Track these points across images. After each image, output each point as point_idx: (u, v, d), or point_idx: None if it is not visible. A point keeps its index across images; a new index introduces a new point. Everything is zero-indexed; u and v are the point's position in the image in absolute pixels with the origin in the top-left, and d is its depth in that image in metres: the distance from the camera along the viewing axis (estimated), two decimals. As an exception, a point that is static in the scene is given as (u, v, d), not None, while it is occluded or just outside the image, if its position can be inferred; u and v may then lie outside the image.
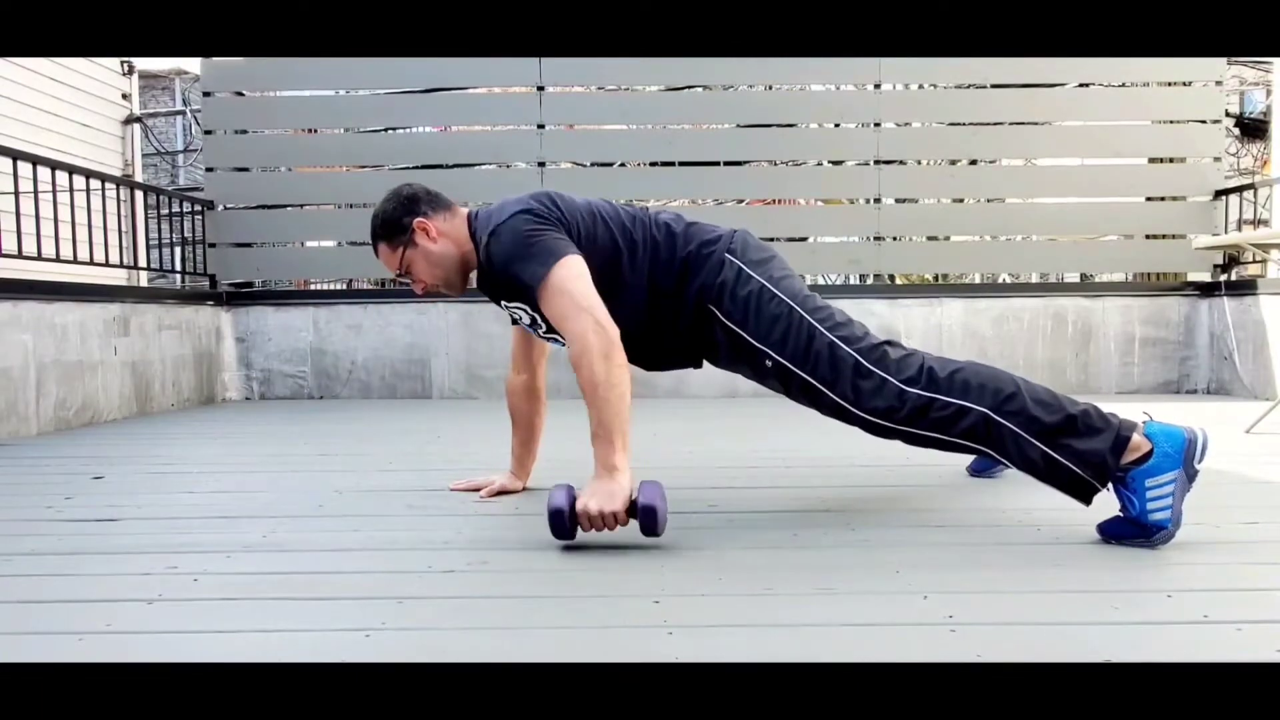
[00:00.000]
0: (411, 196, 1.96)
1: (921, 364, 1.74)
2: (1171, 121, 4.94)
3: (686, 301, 1.87)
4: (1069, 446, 1.63)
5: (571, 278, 1.74)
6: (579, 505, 1.61)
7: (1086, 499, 1.66)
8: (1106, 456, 1.61)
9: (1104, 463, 1.61)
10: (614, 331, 1.70)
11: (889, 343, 1.79)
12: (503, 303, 1.98)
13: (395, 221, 1.95)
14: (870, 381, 1.73)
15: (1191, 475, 1.61)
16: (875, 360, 1.75)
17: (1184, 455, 1.60)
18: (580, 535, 1.66)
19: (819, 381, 1.77)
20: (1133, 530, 1.63)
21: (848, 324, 1.81)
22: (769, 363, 1.81)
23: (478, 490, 2.15)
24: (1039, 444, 1.65)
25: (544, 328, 1.93)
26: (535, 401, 2.18)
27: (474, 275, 1.99)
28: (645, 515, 1.59)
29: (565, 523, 1.62)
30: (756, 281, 1.83)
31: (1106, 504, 1.67)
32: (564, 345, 1.83)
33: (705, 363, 2.02)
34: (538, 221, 1.80)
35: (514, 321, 2.06)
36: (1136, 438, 1.62)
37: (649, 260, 1.89)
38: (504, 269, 1.81)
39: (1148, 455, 1.60)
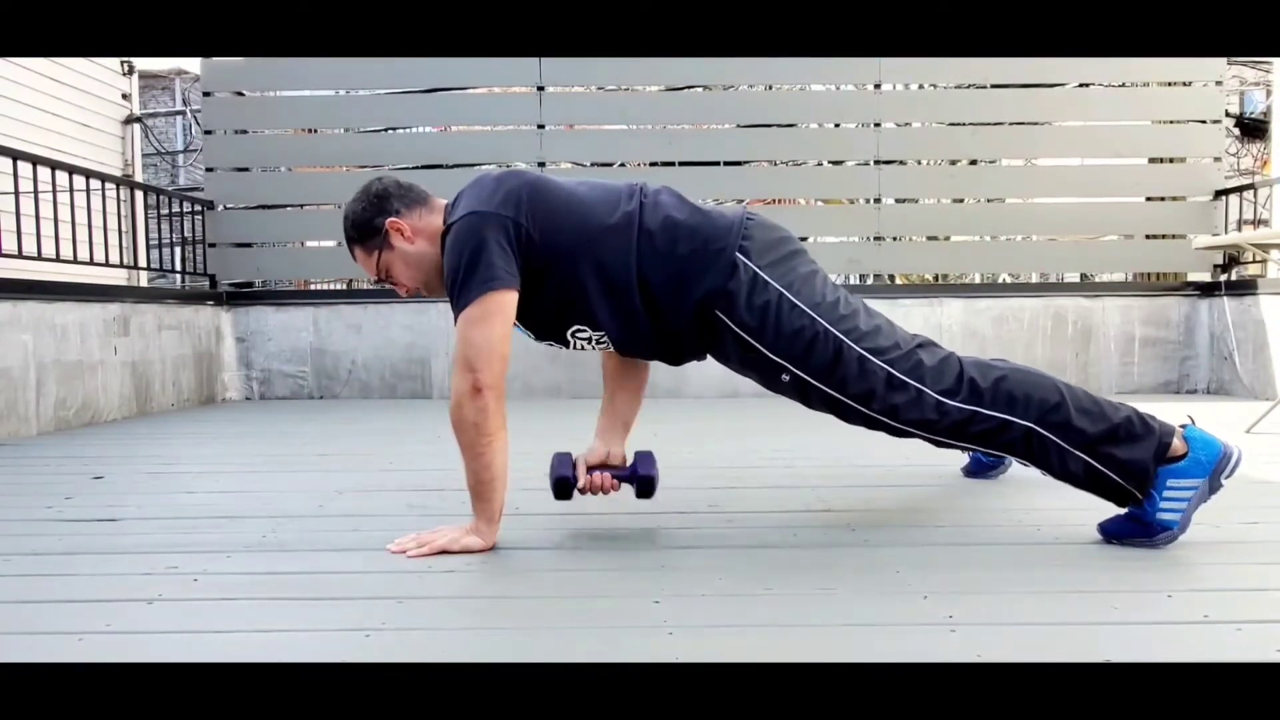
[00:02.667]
0: (381, 194, 1.76)
1: (961, 372, 1.65)
2: (1171, 121, 4.94)
3: (685, 306, 1.68)
4: (1112, 456, 1.59)
5: (483, 316, 1.60)
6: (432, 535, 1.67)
7: (1124, 504, 1.64)
8: (1150, 465, 1.58)
9: (1146, 472, 1.58)
10: (490, 397, 1.61)
11: (921, 345, 1.68)
12: None
13: (366, 223, 1.76)
14: (905, 394, 1.64)
15: (1215, 488, 1.60)
16: (909, 370, 1.64)
17: (1214, 467, 1.58)
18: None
19: (851, 399, 1.66)
20: (1136, 529, 1.62)
21: (875, 332, 1.67)
22: (786, 376, 1.68)
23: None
24: (1083, 455, 1.60)
25: (534, 329, 1.82)
26: (641, 371, 1.92)
27: None
28: (643, 485, 1.82)
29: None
30: (774, 289, 1.65)
31: (1107, 504, 1.67)
32: (561, 345, 1.83)
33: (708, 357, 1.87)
34: (486, 228, 1.63)
35: None
36: (1176, 442, 1.60)
37: (635, 251, 1.67)
38: (448, 266, 1.66)
39: (1181, 457, 1.58)
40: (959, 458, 2.73)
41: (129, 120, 7.92)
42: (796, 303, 1.65)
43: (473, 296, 1.60)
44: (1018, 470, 2.50)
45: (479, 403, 1.60)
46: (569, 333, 1.78)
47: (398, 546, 1.65)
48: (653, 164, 5.14)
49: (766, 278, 1.66)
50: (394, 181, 1.80)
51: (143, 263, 4.68)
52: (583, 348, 1.81)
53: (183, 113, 12.34)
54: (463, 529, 1.67)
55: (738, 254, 1.65)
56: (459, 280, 1.62)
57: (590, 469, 1.87)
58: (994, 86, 4.86)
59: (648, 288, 1.68)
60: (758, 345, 1.66)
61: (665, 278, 1.68)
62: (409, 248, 1.76)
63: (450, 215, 1.73)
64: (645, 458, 1.85)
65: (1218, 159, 4.87)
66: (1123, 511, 1.65)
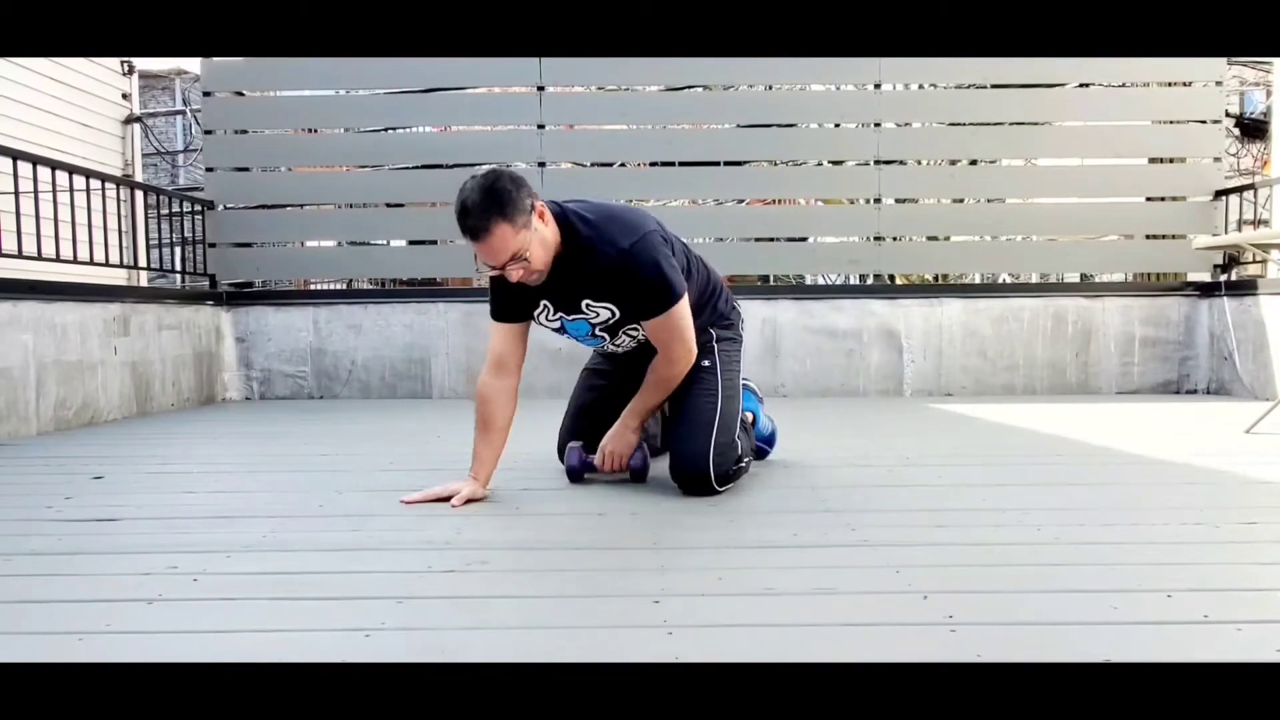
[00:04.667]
0: (518, 178, 1.91)
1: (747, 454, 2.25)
2: (1171, 121, 4.94)
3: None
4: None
5: (684, 319, 2.10)
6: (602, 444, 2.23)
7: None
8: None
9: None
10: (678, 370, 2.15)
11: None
12: (585, 302, 2.09)
13: (519, 201, 1.88)
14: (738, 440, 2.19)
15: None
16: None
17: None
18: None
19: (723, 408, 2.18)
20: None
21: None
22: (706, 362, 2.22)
23: (439, 501, 2.03)
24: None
25: (611, 325, 2.14)
26: (514, 406, 2.17)
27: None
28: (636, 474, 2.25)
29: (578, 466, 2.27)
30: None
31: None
32: (614, 344, 2.23)
33: None
34: (667, 247, 2.09)
35: (534, 321, 2.19)
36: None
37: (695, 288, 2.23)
38: (647, 274, 2.00)
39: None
40: (958, 458, 2.73)
41: (129, 120, 7.93)
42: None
43: (682, 290, 2.07)
44: (1025, 471, 2.50)
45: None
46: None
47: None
48: (653, 164, 5.14)
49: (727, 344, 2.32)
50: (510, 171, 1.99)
51: (143, 263, 4.68)
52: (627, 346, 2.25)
53: (183, 113, 12.34)
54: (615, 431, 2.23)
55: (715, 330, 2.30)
56: (674, 277, 2.04)
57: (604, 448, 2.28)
58: (994, 86, 4.85)
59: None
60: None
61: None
62: (547, 231, 1.96)
63: (607, 222, 2.03)
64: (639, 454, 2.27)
65: (1218, 159, 4.87)
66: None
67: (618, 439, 2.21)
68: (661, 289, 2.03)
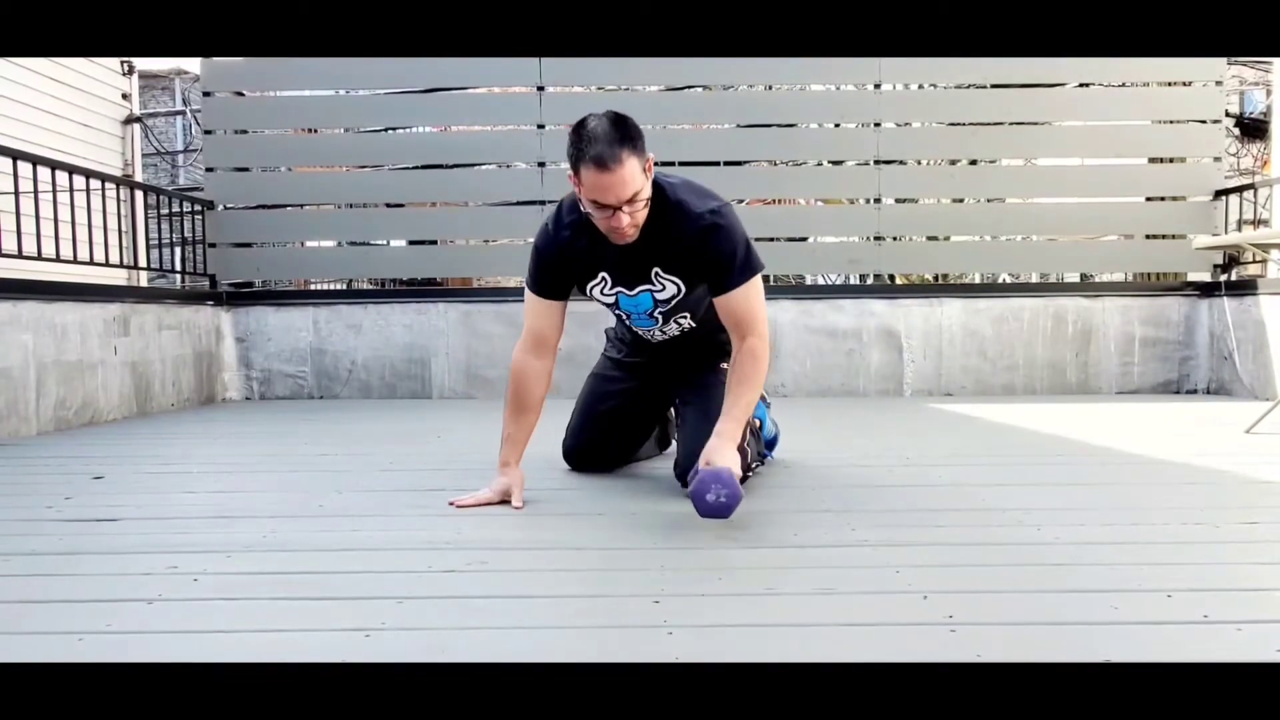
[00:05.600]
0: (639, 126, 1.85)
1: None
2: (1171, 121, 4.93)
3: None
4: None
5: (762, 291, 2.03)
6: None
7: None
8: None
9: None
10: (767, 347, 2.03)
11: None
12: (655, 270, 2.03)
13: (643, 144, 1.83)
14: None
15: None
16: None
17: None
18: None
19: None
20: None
21: None
22: (724, 364, 2.16)
23: (492, 504, 1.99)
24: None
25: (673, 305, 2.10)
26: (548, 387, 2.13)
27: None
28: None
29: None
30: None
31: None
32: (661, 329, 2.18)
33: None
34: (740, 222, 2.01)
35: (587, 296, 2.15)
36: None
37: None
38: (729, 247, 1.94)
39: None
40: (958, 458, 2.73)
41: (129, 120, 7.92)
42: None
43: (760, 267, 2.01)
44: (1025, 471, 2.50)
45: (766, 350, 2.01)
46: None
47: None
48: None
49: None
50: None
51: (143, 263, 4.68)
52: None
53: (183, 113, 12.34)
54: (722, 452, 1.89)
55: None
56: (752, 253, 1.99)
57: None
58: (994, 86, 4.85)
59: None
60: None
61: None
62: (648, 188, 1.89)
63: (689, 194, 1.98)
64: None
65: (1218, 159, 4.87)
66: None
67: (726, 456, 1.84)
68: (747, 256, 1.97)
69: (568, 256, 2.04)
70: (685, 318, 2.17)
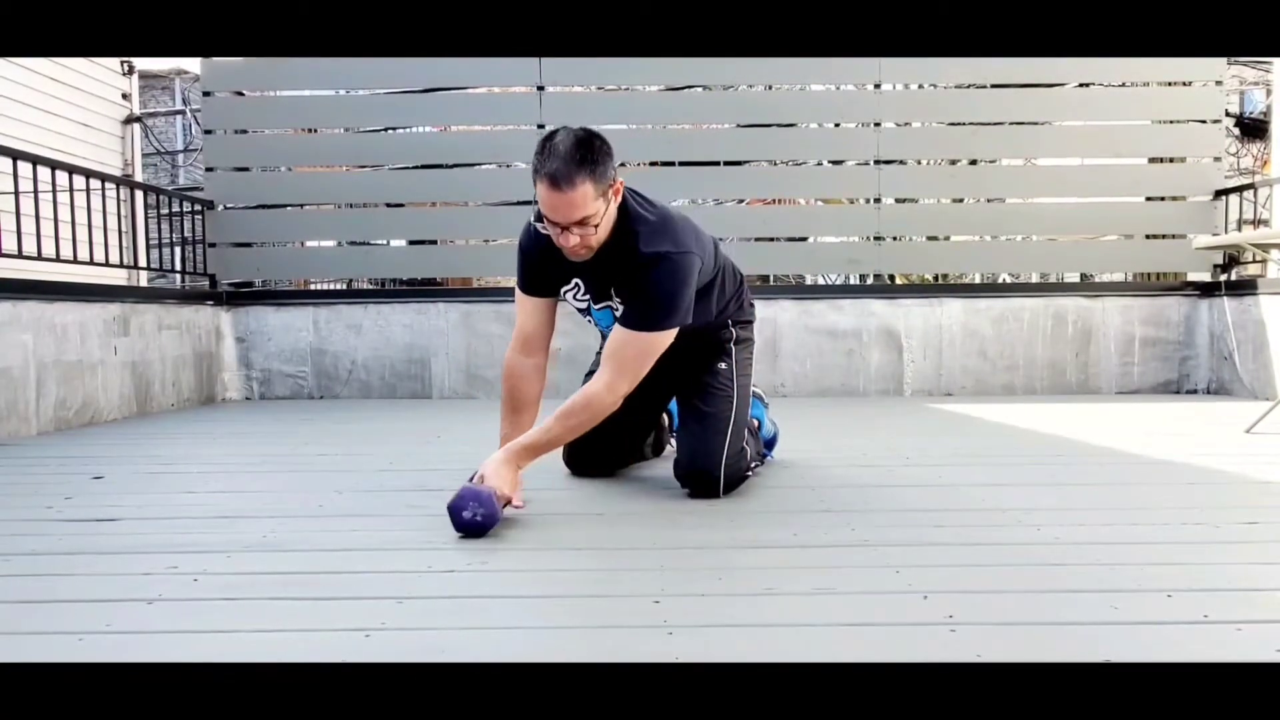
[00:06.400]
0: (611, 147, 1.83)
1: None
2: (1171, 121, 4.93)
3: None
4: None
5: (656, 351, 1.96)
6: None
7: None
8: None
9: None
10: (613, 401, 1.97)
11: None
12: (613, 289, 2.01)
13: (607, 169, 1.81)
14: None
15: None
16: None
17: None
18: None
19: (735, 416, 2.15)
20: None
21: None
22: (723, 365, 2.21)
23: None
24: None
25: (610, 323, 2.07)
26: (543, 383, 2.16)
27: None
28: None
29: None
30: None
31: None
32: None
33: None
34: (692, 279, 1.97)
35: (565, 302, 2.14)
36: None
37: (719, 296, 2.19)
38: (651, 291, 1.91)
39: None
40: (958, 458, 2.73)
41: (129, 120, 7.93)
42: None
43: (666, 326, 1.94)
44: (1025, 471, 2.50)
45: (611, 401, 1.96)
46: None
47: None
48: (653, 164, 5.14)
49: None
50: None
51: (143, 263, 4.67)
52: None
53: (183, 113, 12.34)
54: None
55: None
56: (674, 306, 1.93)
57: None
58: (994, 86, 4.85)
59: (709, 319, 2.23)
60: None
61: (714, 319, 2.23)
62: (613, 209, 1.89)
63: (658, 224, 1.94)
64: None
65: (1218, 159, 4.87)
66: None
67: (500, 476, 1.83)
68: (656, 306, 1.92)
69: (546, 255, 2.02)
70: None
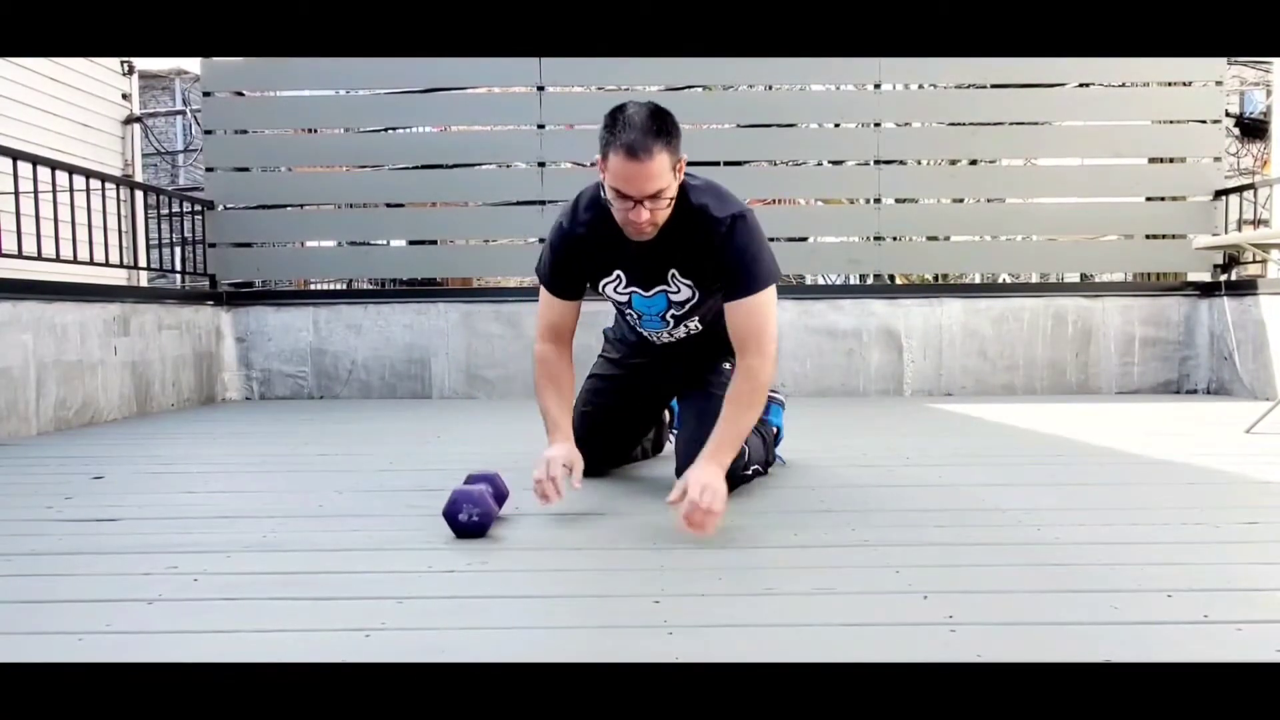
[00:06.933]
0: (678, 123, 1.80)
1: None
2: (1171, 121, 4.93)
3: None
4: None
5: (775, 306, 1.93)
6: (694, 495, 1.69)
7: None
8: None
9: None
10: (773, 367, 1.93)
11: None
12: (673, 272, 1.99)
13: (678, 141, 1.78)
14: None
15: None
16: None
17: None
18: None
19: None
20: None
21: None
22: (727, 365, 2.16)
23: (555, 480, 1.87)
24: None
25: (686, 310, 2.07)
26: (574, 369, 2.13)
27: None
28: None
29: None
30: None
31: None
32: (670, 333, 2.16)
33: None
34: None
35: (600, 293, 2.13)
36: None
37: None
38: (747, 252, 1.88)
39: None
40: (958, 458, 2.73)
41: (129, 120, 7.92)
42: None
43: (774, 279, 1.93)
44: (1025, 471, 2.50)
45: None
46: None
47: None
48: (653, 164, 5.13)
49: None
50: None
51: (143, 263, 4.67)
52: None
53: (183, 113, 12.34)
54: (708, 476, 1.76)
55: None
56: (769, 263, 1.92)
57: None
58: (994, 86, 4.85)
59: None
60: None
61: None
62: (676, 188, 1.84)
63: (715, 200, 1.91)
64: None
65: (1218, 159, 4.87)
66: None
67: (712, 488, 1.69)
68: (762, 265, 1.90)
69: (582, 251, 2.01)
70: (694, 321, 2.15)
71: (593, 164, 5.14)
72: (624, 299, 2.11)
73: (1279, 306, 4.20)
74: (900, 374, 4.74)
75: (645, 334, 2.25)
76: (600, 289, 2.11)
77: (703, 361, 2.24)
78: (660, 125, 1.75)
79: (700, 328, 2.17)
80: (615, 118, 1.77)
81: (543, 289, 2.11)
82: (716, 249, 1.90)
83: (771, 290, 1.93)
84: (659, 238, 1.90)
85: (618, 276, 2.06)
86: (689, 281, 2.03)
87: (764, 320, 1.90)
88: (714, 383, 2.18)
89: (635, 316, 2.18)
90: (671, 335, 2.20)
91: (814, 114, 5.31)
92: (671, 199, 1.83)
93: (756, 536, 1.76)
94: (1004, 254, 5.87)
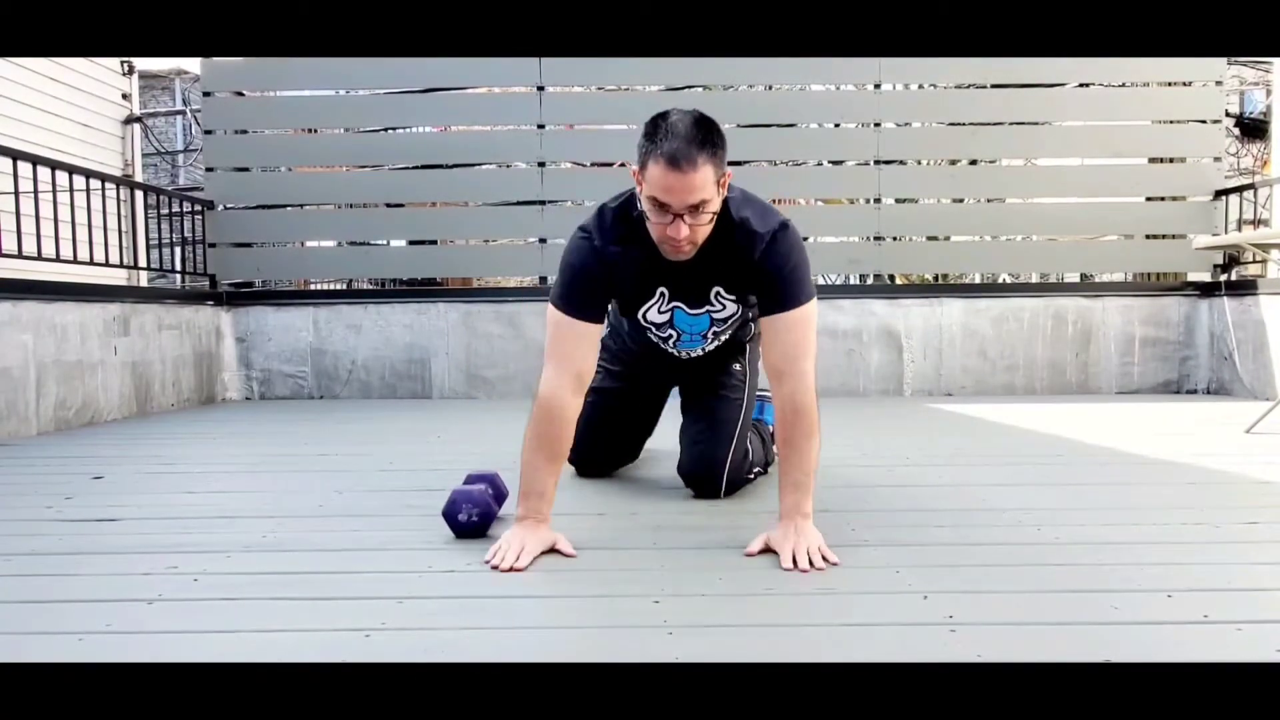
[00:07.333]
0: (724, 134, 1.66)
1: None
2: (1171, 121, 4.94)
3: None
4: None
5: (815, 321, 1.82)
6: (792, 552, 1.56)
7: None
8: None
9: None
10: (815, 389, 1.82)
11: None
12: (716, 290, 1.86)
13: (723, 152, 1.64)
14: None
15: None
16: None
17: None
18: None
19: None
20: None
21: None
22: (737, 366, 2.17)
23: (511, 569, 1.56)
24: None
25: (727, 325, 1.98)
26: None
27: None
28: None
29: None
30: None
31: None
32: (702, 348, 2.05)
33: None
34: None
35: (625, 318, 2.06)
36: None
37: None
38: (787, 265, 1.74)
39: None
40: (958, 458, 2.73)
41: (129, 120, 7.92)
42: None
43: (812, 295, 1.80)
44: (1025, 471, 2.50)
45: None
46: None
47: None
48: (653, 164, 5.13)
49: None
50: None
51: (143, 263, 4.68)
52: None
53: (183, 113, 12.34)
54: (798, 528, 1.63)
55: None
56: (808, 279, 1.79)
57: None
58: (994, 86, 4.85)
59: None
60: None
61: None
62: (720, 200, 1.69)
63: (756, 213, 1.78)
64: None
65: (1218, 159, 4.87)
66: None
67: (809, 546, 1.58)
68: (801, 272, 1.76)
69: (617, 274, 1.79)
70: (726, 335, 2.03)
71: (592, 164, 5.13)
72: (665, 318, 1.94)
73: (1279, 306, 4.20)
74: (900, 374, 4.74)
75: (671, 351, 2.07)
76: (640, 315, 1.94)
77: (713, 364, 2.17)
78: (705, 135, 1.60)
79: (728, 337, 2.07)
80: (657, 125, 1.61)
81: (560, 316, 1.76)
82: (757, 261, 1.76)
83: (813, 304, 1.78)
84: (700, 255, 1.74)
85: (661, 294, 1.89)
86: (733, 297, 1.90)
87: (803, 335, 1.77)
88: (725, 384, 2.14)
89: (674, 336, 2.00)
90: (704, 351, 2.07)
91: (814, 114, 5.31)
92: (714, 214, 1.67)
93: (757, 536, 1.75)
94: (1004, 254, 5.87)
